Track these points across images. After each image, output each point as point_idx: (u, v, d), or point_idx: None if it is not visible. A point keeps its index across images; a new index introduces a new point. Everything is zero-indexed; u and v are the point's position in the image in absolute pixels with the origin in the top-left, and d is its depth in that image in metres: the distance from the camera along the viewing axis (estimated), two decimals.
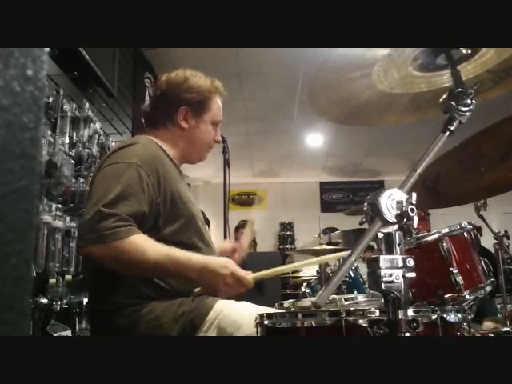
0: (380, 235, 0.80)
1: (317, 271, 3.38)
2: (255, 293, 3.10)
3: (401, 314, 0.77)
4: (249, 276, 1.31)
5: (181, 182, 1.53)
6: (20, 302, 0.36)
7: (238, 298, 1.47)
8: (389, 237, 0.80)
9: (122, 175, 1.32)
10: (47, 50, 0.38)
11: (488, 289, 1.59)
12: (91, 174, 2.42)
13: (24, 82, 0.35)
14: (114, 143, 2.89)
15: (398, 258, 0.77)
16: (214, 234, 4.86)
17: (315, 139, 6.24)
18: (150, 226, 1.36)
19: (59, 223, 2.13)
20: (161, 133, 1.58)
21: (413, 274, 0.77)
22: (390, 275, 0.76)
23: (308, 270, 4.50)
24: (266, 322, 1.05)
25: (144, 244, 1.26)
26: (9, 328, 0.35)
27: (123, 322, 1.33)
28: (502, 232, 2.21)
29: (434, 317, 0.96)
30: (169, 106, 1.57)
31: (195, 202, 1.56)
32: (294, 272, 5.16)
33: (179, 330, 1.32)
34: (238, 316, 1.35)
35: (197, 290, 1.33)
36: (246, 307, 1.41)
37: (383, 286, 0.76)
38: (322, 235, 3.14)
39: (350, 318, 0.94)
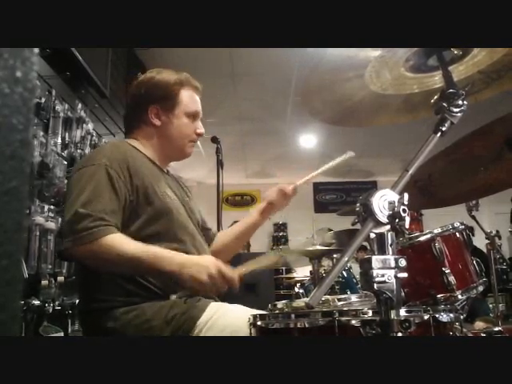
0: (372, 235, 0.80)
1: (310, 272, 3.39)
2: (248, 294, 3.10)
3: (393, 314, 0.77)
4: (234, 272, 1.29)
5: (159, 178, 1.52)
6: (11, 303, 0.36)
7: (231, 300, 1.47)
8: (381, 237, 0.80)
9: (92, 177, 1.34)
10: (37, 50, 0.38)
11: (480, 289, 1.60)
12: None
13: (13, 83, 0.35)
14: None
15: (391, 258, 0.78)
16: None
17: (309, 140, 6.26)
18: (125, 223, 1.37)
19: (51, 224, 2.12)
20: (136, 135, 1.59)
21: (405, 275, 0.77)
22: (383, 275, 0.76)
23: (301, 271, 4.50)
24: (259, 323, 1.05)
25: (121, 241, 1.28)
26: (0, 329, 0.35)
27: (113, 324, 1.32)
28: (494, 232, 2.23)
29: (426, 317, 0.96)
30: (139, 107, 1.58)
31: (176, 198, 1.54)
32: (287, 272, 5.16)
33: (170, 333, 1.31)
34: (232, 319, 1.33)
35: (178, 294, 1.32)
36: (240, 310, 1.38)
37: (375, 286, 0.76)
38: (315, 236, 3.15)
39: (343, 319, 0.94)
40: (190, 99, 1.59)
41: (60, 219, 2.21)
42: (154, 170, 1.54)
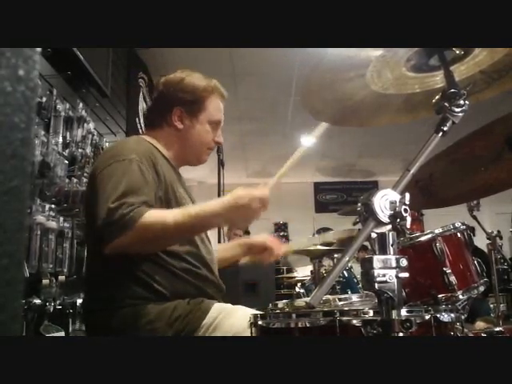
0: (373, 235, 0.80)
1: (311, 271, 3.39)
2: (249, 293, 3.10)
3: (394, 314, 0.77)
4: (264, 191, 1.35)
5: (176, 181, 1.52)
6: (11, 303, 0.36)
7: (233, 299, 1.46)
8: (382, 237, 0.80)
9: (125, 172, 1.33)
10: (39, 49, 0.38)
11: (481, 289, 1.60)
12: (85, 174, 2.41)
13: (15, 81, 0.35)
14: (107, 143, 2.88)
15: (392, 258, 0.78)
16: (208, 233, 4.84)
17: (309, 140, 6.25)
18: None
19: (52, 224, 2.12)
20: (157, 134, 1.58)
21: (406, 274, 0.77)
22: (384, 275, 0.76)
23: (302, 271, 4.50)
24: (259, 323, 1.05)
25: (158, 214, 1.28)
26: (0, 329, 0.35)
27: (116, 323, 1.32)
28: (495, 232, 2.23)
29: (427, 317, 0.96)
30: (164, 106, 1.56)
31: (190, 201, 1.55)
32: (288, 272, 5.16)
33: (173, 335, 1.31)
34: (235, 321, 1.33)
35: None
36: (243, 312, 1.37)
37: (377, 286, 0.76)
38: (316, 235, 3.15)
39: (344, 318, 0.94)
40: (215, 107, 1.59)
41: (62, 219, 2.21)
42: (172, 173, 1.53)
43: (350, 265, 3.12)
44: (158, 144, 1.55)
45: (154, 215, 1.27)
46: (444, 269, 1.52)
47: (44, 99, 2.17)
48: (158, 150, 1.52)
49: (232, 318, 1.35)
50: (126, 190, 1.28)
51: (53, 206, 2.15)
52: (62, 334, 2.11)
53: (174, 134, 1.56)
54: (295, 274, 4.85)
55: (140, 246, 1.29)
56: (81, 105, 2.57)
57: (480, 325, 2.38)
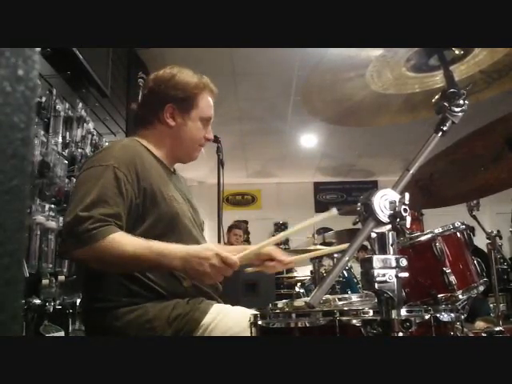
0: (373, 235, 0.80)
1: (311, 271, 3.39)
2: (249, 293, 3.10)
3: (394, 314, 0.77)
4: (234, 256, 1.28)
5: (167, 181, 1.51)
6: (12, 303, 0.35)
7: (232, 299, 1.46)
8: (382, 237, 0.80)
9: (99, 178, 1.32)
10: (38, 49, 0.38)
11: (481, 288, 1.60)
12: None
13: (15, 81, 0.35)
14: (107, 143, 2.88)
15: (391, 257, 0.78)
16: (208, 234, 4.85)
17: (309, 139, 6.26)
18: (131, 226, 1.36)
19: (52, 224, 2.12)
20: (149, 132, 1.57)
21: (406, 274, 0.77)
22: (383, 275, 0.76)
23: (302, 271, 4.50)
24: (259, 322, 1.05)
25: (122, 239, 1.26)
26: (0, 329, 0.35)
27: (115, 323, 1.32)
28: (495, 232, 2.23)
29: (427, 316, 0.96)
30: (155, 103, 1.55)
31: (183, 201, 1.53)
32: (288, 272, 5.16)
33: (172, 334, 1.31)
34: (234, 321, 1.33)
35: (186, 284, 1.33)
36: (242, 313, 1.37)
37: (376, 285, 0.76)
38: (315, 235, 3.15)
39: (344, 318, 0.94)
40: (206, 104, 1.58)
41: (61, 218, 2.21)
42: (163, 172, 1.52)
43: (349, 265, 3.12)
44: (150, 144, 1.55)
45: (117, 240, 1.26)
46: (444, 269, 1.52)
47: (44, 99, 2.17)
48: (149, 152, 1.51)
49: (231, 319, 1.35)
50: (96, 199, 1.28)
51: (52, 205, 2.15)
52: (62, 334, 2.11)
53: (166, 132, 1.55)
54: (295, 274, 4.85)
55: (93, 264, 1.30)
56: (80, 105, 2.57)
57: (480, 325, 2.38)
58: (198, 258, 1.26)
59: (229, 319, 1.35)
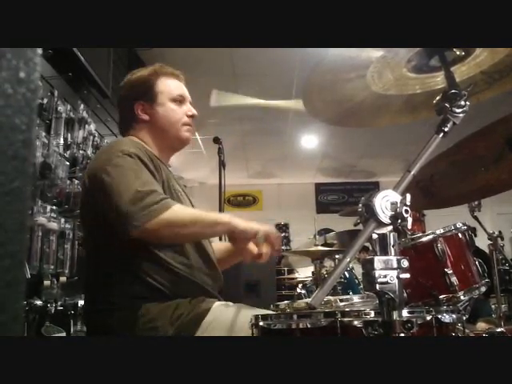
0: (374, 236, 0.80)
1: (312, 272, 3.39)
2: (250, 294, 3.10)
3: (395, 315, 0.77)
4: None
5: (171, 176, 1.54)
6: (13, 304, 0.36)
7: (233, 300, 1.47)
8: (383, 238, 0.80)
9: (132, 164, 1.37)
10: (40, 51, 0.38)
11: (482, 289, 1.60)
12: None
13: (16, 83, 0.35)
14: None
15: (393, 258, 0.77)
16: None
17: (310, 140, 6.26)
18: None
19: (54, 225, 2.13)
20: (133, 134, 1.59)
21: (407, 275, 0.77)
22: (385, 276, 0.76)
23: (303, 272, 4.50)
24: (261, 323, 1.05)
25: (181, 207, 1.38)
26: (1, 330, 0.35)
27: (118, 323, 1.33)
28: (496, 233, 2.22)
29: (428, 317, 0.96)
30: (126, 108, 1.60)
31: (186, 197, 1.57)
32: (289, 273, 5.16)
33: (174, 334, 1.31)
34: (236, 319, 1.33)
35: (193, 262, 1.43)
36: (244, 310, 1.38)
37: (378, 286, 0.76)
38: (317, 236, 3.15)
39: (345, 319, 0.94)
40: (169, 86, 1.61)
41: (62, 220, 2.21)
42: (164, 167, 1.55)
43: (351, 266, 3.12)
44: (144, 144, 1.57)
45: (178, 207, 1.34)
46: (445, 269, 1.52)
47: (45, 100, 2.18)
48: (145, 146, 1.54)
49: (233, 316, 1.35)
50: (145, 179, 1.35)
51: (54, 207, 2.16)
52: (64, 335, 2.11)
53: (146, 128, 1.59)
54: (296, 275, 4.85)
55: (168, 232, 1.33)
56: (82, 106, 2.58)
57: (481, 325, 2.37)
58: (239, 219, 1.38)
59: (230, 316, 1.35)
